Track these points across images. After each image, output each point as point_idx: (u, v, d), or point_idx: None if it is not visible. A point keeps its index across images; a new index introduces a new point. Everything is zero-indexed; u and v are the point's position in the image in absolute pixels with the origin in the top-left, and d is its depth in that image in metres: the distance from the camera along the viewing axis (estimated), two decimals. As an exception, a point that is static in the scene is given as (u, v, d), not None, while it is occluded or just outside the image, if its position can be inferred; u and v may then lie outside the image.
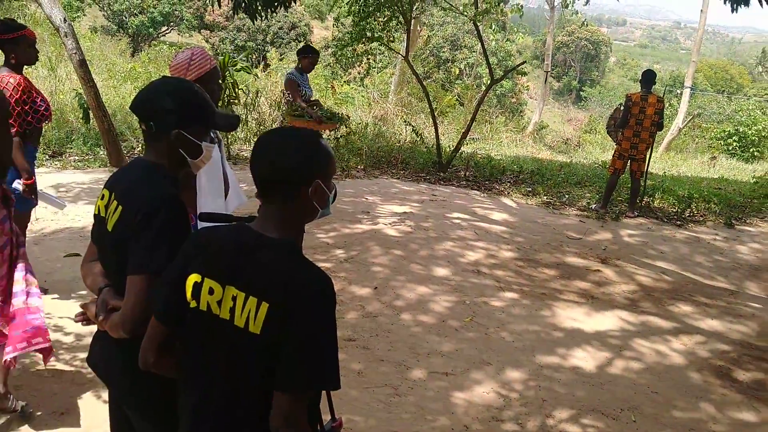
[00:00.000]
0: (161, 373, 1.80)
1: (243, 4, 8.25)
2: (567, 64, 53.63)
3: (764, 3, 6.04)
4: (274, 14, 8.76)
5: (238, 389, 1.62)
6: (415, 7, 10.59)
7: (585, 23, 34.98)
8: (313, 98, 7.78)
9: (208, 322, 1.64)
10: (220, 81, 3.35)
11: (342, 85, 18.39)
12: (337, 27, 14.84)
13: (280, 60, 23.29)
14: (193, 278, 1.66)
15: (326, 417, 1.83)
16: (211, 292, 1.64)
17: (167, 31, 34.71)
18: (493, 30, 15.93)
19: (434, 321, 4.92)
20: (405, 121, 13.32)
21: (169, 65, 3.07)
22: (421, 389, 3.95)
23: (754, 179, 15.04)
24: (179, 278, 1.69)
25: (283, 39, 33.26)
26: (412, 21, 11.01)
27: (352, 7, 10.21)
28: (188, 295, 1.67)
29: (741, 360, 4.89)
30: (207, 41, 34.40)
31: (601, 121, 23.60)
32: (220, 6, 9.11)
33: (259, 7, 8.36)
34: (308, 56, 7.42)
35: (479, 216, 7.99)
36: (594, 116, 31.22)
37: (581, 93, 49.76)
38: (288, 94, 7.17)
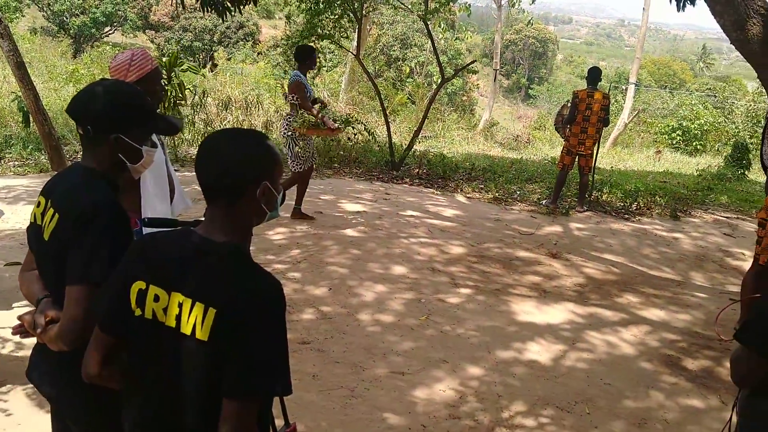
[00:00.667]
0: (105, 384, 1.74)
1: (211, 2, 8.08)
2: (516, 62, 54.36)
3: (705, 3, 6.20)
4: (241, 11, 8.58)
5: (186, 398, 1.57)
6: (365, 5, 10.57)
7: (531, 21, 35.47)
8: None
9: (154, 330, 1.59)
10: (164, 82, 3.26)
11: (292, 85, 18.25)
12: (288, 25, 14.71)
13: (228, 59, 23.00)
14: (138, 285, 1.61)
15: (279, 422, 1.80)
16: (156, 299, 1.59)
17: (110, 32, 33.95)
18: (443, 28, 16.03)
19: (391, 320, 4.90)
20: (357, 120, 13.29)
21: (109, 67, 2.99)
22: (377, 390, 3.93)
23: (698, 172, 15.50)
24: (122, 286, 1.63)
25: (230, 38, 32.89)
26: (363, 19, 10.98)
27: (303, 5, 10.14)
28: (132, 303, 1.61)
29: (689, 349, 5.01)
30: (152, 41, 33.76)
31: (550, 117, 23.96)
32: (184, 8, 8.93)
33: (228, 4, 8.21)
34: (311, 55, 7.07)
35: (432, 213, 8.02)
36: (543, 113, 31.68)
37: (530, 90, 50.50)
38: (294, 97, 6.82)
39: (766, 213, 5.20)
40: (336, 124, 6.97)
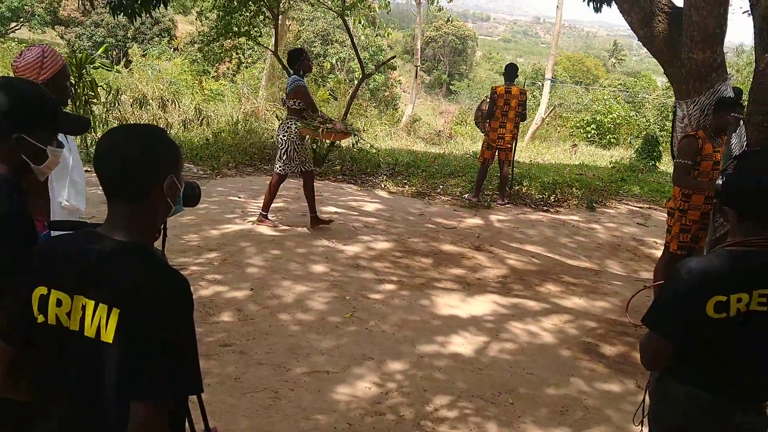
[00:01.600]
0: (11, 396, 1.66)
1: (122, 5, 7.75)
2: (436, 58, 54.97)
3: (613, 2, 6.40)
4: (152, 15, 8.31)
5: (96, 404, 1.50)
6: (282, 2, 10.40)
7: (450, 19, 35.96)
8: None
9: (59, 335, 1.51)
10: (74, 80, 3.12)
11: (210, 82, 17.86)
12: (200, 21, 14.37)
13: (143, 56, 22.30)
14: (39, 291, 1.52)
15: (200, 427, 1.75)
16: (59, 303, 1.51)
17: (17, 27, 32.32)
18: (363, 25, 15.97)
19: (314, 319, 4.83)
20: (278, 117, 13.08)
21: (13, 65, 2.84)
22: (302, 390, 3.86)
23: (611, 164, 16.07)
24: (24, 294, 1.54)
25: (145, 35, 31.92)
26: (280, 16, 10.82)
27: (218, 1, 9.89)
28: (35, 309, 1.52)
29: (606, 336, 5.16)
30: (62, 37, 32.36)
31: (471, 113, 24.34)
32: (93, 7, 8.54)
33: (137, 7, 7.90)
34: (303, 57, 6.94)
35: (356, 209, 7.98)
36: (464, 108, 32.15)
37: (451, 86, 51.17)
38: (296, 102, 6.67)
39: (675, 203, 5.44)
40: (344, 127, 6.93)
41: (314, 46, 30.59)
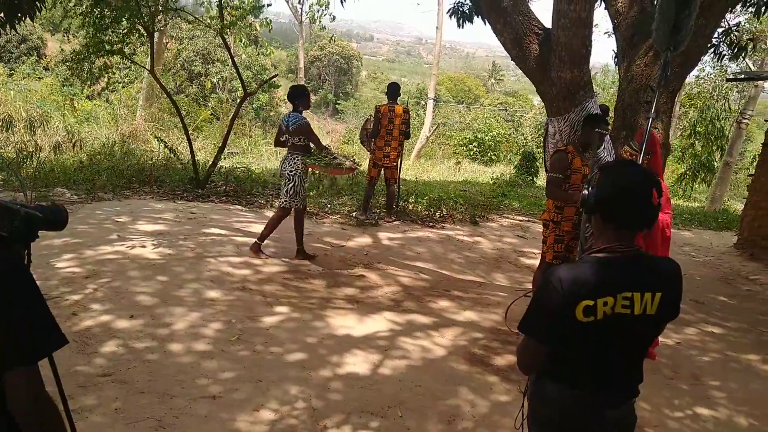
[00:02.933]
0: None
1: None
2: (322, 77, 55.12)
3: (487, 22, 6.64)
4: (16, 29, 7.78)
5: None
6: (157, 19, 10.08)
7: (333, 38, 36.22)
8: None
9: None
10: None
11: (82, 102, 17.01)
12: (67, 39, 13.65)
13: (10, 76, 20.96)
14: None
15: None
16: None
17: None
18: (244, 44, 15.81)
19: (201, 345, 4.64)
20: (156, 138, 12.63)
21: None
22: (187, 417, 3.69)
23: (493, 180, 16.70)
24: None
25: (12, 53, 30.05)
26: (156, 34, 10.48)
27: (87, 19, 9.43)
28: None
29: (494, 346, 5.31)
30: None
31: (357, 132, 24.60)
32: None
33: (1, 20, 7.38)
34: (308, 96, 6.96)
35: (243, 231, 7.80)
36: (351, 127, 32.41)
37: (337, 106, 51.44)
38: (303, 139, 6.69)
39: (549, 215, 5.69)
40: (352, 162, 6.99)
41: (195, 65, 29.84)
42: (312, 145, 6.80)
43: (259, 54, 29.74)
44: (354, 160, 7.19)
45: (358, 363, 4.68)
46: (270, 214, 9.03)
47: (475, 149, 29.52)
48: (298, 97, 6.83)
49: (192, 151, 10.33)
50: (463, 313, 6.04)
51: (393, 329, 5.40)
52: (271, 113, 32.80)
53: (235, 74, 28.11)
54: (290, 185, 6.72)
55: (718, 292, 8.26)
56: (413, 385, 4.41)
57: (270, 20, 12.64)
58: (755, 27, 19.66)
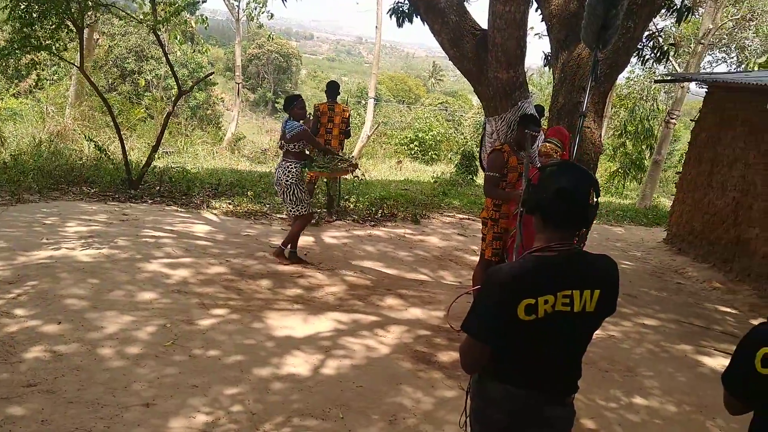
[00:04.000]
0: None
1: None
2: (260, 76, 54.48)
3: (425, 22, 6.67)
4: None
5: None
6: (87, 15, 9.72)
7: (271, 36, 35.84)
8: None
9: None
10: None
11: (8, 99, 16.30)
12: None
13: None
14: None
15: None
16: None
17: None
18: (179, 40, 15.43)
19: (135, 350, 4.50)
20: (86, 137, 12.18)
21: None
22: (119, 426, 3.57)
23: (434, 179, 16.83)
24: None
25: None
26: (86, 29, 10.13)
27: (12, 12, 9.02)
28: None
29: (438, 343, 5.32)
30: None
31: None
32: None
33: None
34: (295, 104, 6.85)
35: (180, 232, 7.62)
36: (290, 126, 32.09)
37: (277, 104, 50.90)
38: (298, 146, 6.71)
39: (487, 213, 5.75)
40: (351, 159, 7.10)
41: (128, 63, 29.00)
42: (308, 150, 6.90)
43: (195, 51, 29.12)
44: (352, 156, 7.24)
45: (299, 364, 4.62)
46: (209, 215, 8.86)
47: (416, 148, 29.72)
48: (290, 105, 6.87)
49: (124, 151, 10.03)
50: (408, 310, 6.05)
51: (337, 329, 5.36)
52: (208, 112, 32.22)
53: (170, 72, 27.52)
54: (290, 194, 6.71)
55: (650, 285, 8.53)
56: (355, 385, 4.38)
57: (206, 17, 12.37)
58: (677, 32, 20.45)
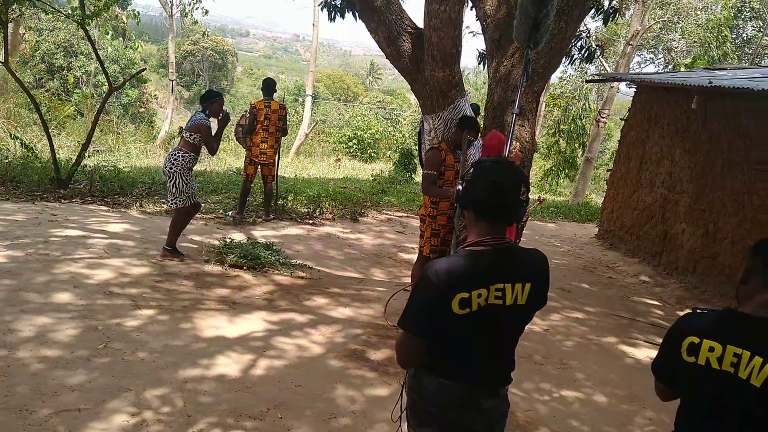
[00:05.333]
0: None
1: None
2: (195, 73, 53.52)
3: (358, 18, 6.68)
4: None
5: None
6: (11, 9, 9.33)
7: (206, 33, 35.25)
8: None
9: None
10: None
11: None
12: None
13: None
14: None
15: None
16: None
17: None
18: (111, 36, 15.00)
19: (60, 354, 4.34)
20: (12, 135, 11.70)
21: None
22: (47, 433, 3.44)
23: (373, 177, 16.86)
24: None
25: None
26: (11, 24, 9.72)
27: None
28: None
29: (372, 341, 5.34)
30: None
31: (233, 128, 24.09)
32: None
33: None
34: (216, 100, 6.76)
35: (108, 233, 7.40)
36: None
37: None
38: (196, 138, 6.57)
39: (425, 210, 5.81)
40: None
41: (56, 59, 27.99)
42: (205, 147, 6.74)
43: (126, 47, 28.35)
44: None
45: (232, 365, 4.55)
46: (138, 215, 8.64)
47: (354, 147, 29.73)
48: (208, 100, 6.78)
49: (53, 149, 9.67)
50: (340, 309, 6.03)
51: (268, 329, 5.30)
52: (141, 109, 31.42)
53: (100, 68, 26.71)
54: (171, 182, 6.54)
55: (582, 280, 8.77)
56: (292, 385, 4.35)
57: (138, 12, 12.02)
58: (604, 35, 21.10)
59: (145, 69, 13.17)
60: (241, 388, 4.23)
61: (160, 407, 3.84)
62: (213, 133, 6.75)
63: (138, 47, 23.45)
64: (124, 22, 25.18)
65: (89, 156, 11.22)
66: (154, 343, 4.71)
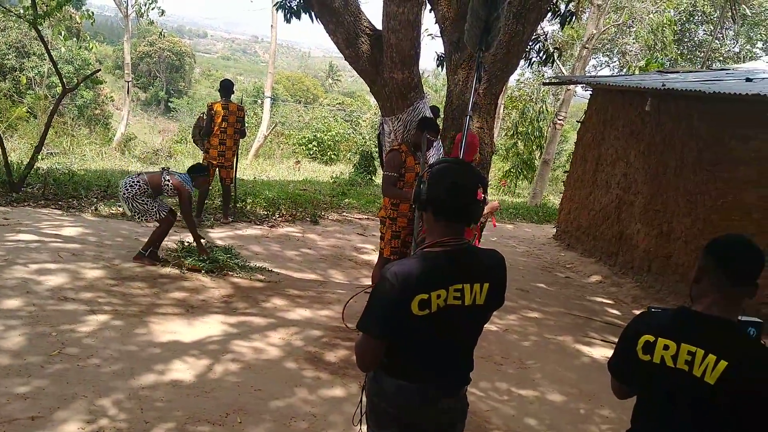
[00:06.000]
0: None
1: None
2: (152, 74, 52.67)
3: (314, 19, 6.66)
4: None
5: None
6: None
7: (162, 33, 34.73)
8: None
9: None
10: None
11: None
12: None
13: None
14: None
15: None
16: None
17: None
18: (64, 36, 14.65)
19: (9, 362, 4.21)
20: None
21: None
22: (-4, 445, 3.35)
23: (333, 179, 16.82)
24: None
25: None
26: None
27: None
28: None
29: (330, 343, 5.32)
30: None
31: (190, 130, 23.81)
32: None
33: None
34: (205, 175, 7.06)
35: (62, 237, 7.22)
36: (184, 126, 31.27)
37: (170, 103, 49.38)
38: (175, 196, 6.76)
39: (385, 212, 5.81)
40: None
41: (8, 59, 27.23)
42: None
43: (80, 48, 27.74)
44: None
45: (187, 369, 4.48)
46: (92, 218, 8.46)
47: (314, 149, 29.62)
48: (196, 173, 6.92)
49: (4, 152, 9.40)
50: (299, 311, 5.99)
51: (226, 332, 5.23)
52: (96, 111, 30.78)
53: (53, 69, 26.05)
54: (128, 206, 6.59)
55: (540, 280, 8.89)
56: (252, 389, 4.30)
57: (92, 12, 11.76)
58: (561, 38, 21.44)
59: (100, 70, 12.90)
60: (200, 393, 4.16)
61: (117, 414, 3.76)
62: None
63: (92, 47, 22.95)
64: (78, 23, 24.64)
65: (42, 159, 10.94)
66: (108, 348, 4.61)
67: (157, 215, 6.62)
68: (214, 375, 4.46)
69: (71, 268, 6.15)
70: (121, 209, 8.94)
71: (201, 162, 7.97)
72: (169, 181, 6.60)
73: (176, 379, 4.32)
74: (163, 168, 6.96)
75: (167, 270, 6.54)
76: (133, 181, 6.55)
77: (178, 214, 6.96)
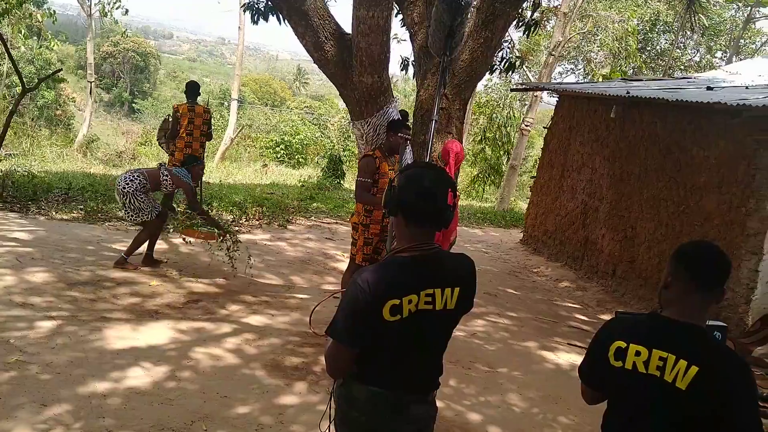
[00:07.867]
0: None
1: None
2: (116, 75, 51.90)
3: (282, 21, 6.62)
4: None
5: None
6: None
7: (126, 33, 34.25)
8: None
9: None
10: None
11: None
12: None
13: None
14: None
15: None
16: None
17: None
18: (24, 35, 14.34)
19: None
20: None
21: None
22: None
23: (301, 183, 16.71)
24: None
25: None
26: None
27: None
28: None
29: (288, 349, 5.24)
30: None
31: (155, 132, 23.47)
32: None
33: None
34: (200, 164, 7.22)
35: (18, 240, 7.02)
36: (148, 128, 30.84)
37: (134, 105, 48.72)
38: (175, 188, 6.88)
39: (358, 218, 5.77)
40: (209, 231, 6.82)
41: (-35, 57, 26.60)
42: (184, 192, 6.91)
43: (42, 47, 27.19)
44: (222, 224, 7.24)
45: (146, 376, 4.35)
46: (49, 221, 8.27)
47: (282, 152, 29.43)
48: (193, 162, 7.05)
49: (-41, 153, 9.16)
50: (258, 317, 5.89)
51: (183, 339, 5.10)
52: (58, 112, 30.18)
53: (12, 68, 25.45)
54: (125, 201, 6.47)
55: (508, 284, 8.93)
56: (216, 396, 4.22)
57: (54, 11, 11.56)
58: (525, 46, 21.68)
59: (62, 70, 12.66)
60: (164, 400, 4.07)
61: (73, 423, 3.64)
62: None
63: (54, 45, 22.50)
64: (39, 21, 24.11)
65: (1, 160, 10.66)
66: (57, 355, 4.45)
67: (149, 216, 6.50)
68: (179, 382, 4.36)
69: (23, 273, 5.97)
70: (81, 212, 8.77)
71: (194, 155, 7.98)
72: (167, 176, 6.55)
73: (133, 386, 4.19)
74: (160, 164, 6.93)
75: (123, 275, 6.39)
76: (133, 176, 6.45)
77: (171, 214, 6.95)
